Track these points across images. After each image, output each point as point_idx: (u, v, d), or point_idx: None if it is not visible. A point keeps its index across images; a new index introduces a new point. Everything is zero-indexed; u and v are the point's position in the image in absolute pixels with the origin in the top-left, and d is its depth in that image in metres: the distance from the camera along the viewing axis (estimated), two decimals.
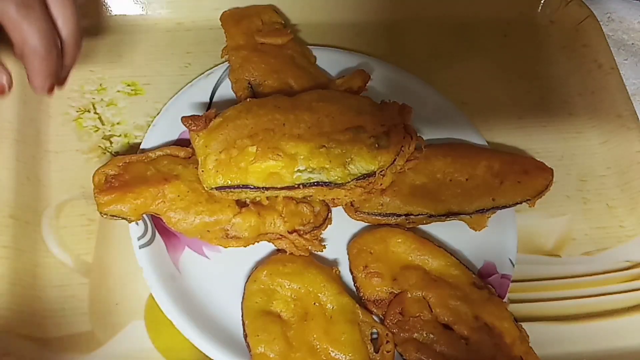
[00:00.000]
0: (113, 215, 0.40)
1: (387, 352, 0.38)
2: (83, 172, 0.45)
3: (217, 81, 0.49)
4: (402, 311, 0.40)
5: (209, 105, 0.48)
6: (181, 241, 0.43)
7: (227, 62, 0.49)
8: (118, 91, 0.49)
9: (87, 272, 0.42)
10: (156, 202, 0.40)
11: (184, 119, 0.41)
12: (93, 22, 0.52)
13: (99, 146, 0.47)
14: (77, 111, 0.48)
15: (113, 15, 0.52)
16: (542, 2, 0.58)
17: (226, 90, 0.49)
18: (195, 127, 0.41)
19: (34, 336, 0.39)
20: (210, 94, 0.49)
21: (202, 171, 0.40)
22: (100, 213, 0.40)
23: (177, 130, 0.46)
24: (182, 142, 0.45)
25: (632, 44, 0.60)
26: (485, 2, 0.58)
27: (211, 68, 0.50)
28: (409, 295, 0.40)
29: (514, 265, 0.44)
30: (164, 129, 0.46)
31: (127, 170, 0.41)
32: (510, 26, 0.57)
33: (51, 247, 0.42)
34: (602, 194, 0.49)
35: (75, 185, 0.45)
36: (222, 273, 0.39)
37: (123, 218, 0.40)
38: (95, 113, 0.48)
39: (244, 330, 0.38)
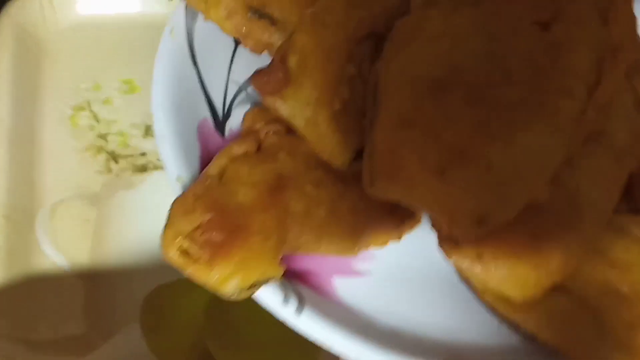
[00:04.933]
0: (249, 287, 0.25)
1: None
2: (78, 172, 0.44)
3: (188, 36, 0.34)
4: None
5: (197, 71, 0.34)
6: (320, 274, 0.29)
7: (178, 8, 0.35)
8: (114, 89, 0.49)
9: (81, 274, 0.41)
10: (296, 230, 0.26)
11: (256, 79, 0.27)
12: (88, 19, 0.51)
13: (95, 145, 0.46)
14: (72, 109, 0.47)
15: (108, 12, 0.52)
16: None
17: (207, 40, 0.34)
18: (274, 86, 0.27)
19: (27, 339, 0.38)
20: (190, 58, 0.34)
21: (322, 149, 0.27)
22: (228, 297, 0.25)
23: (191, 128, 0.32)
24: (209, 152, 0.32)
25: None
26: None
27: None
28: None
29: None
30: (177, 138, 0.31)
31: (211, 207, 0.25)
32: None
33: (45, 248, 0.41)
34: None
35: (70, 185, 0.44)
36: (402, 282, 0.28)
37: (266, 282, 0.26)
38: (91, 111, 0.47)
39: None
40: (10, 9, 0.49)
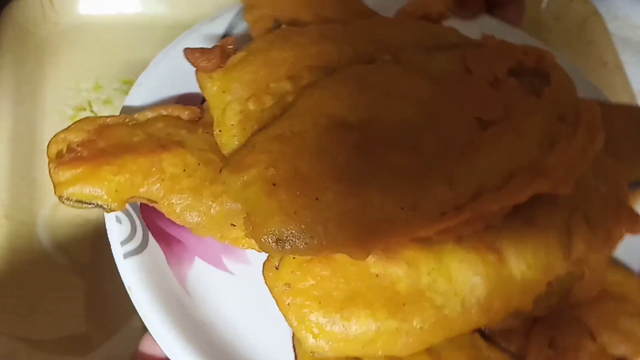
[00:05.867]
0: (80, 201, 0.27)
1: None
2: None
3: (227, 27, 0.36)
4: (553, 343, 0.27)
5: None
6: (188, 248, 0.30)
7: (237, 4, 0.37)
8: (114, 89, 0.49)
9: (82, 273, 0.41)
10: (149, 181, 0.27)
11: (189, 52, 0.29)
12: (89, 20, 0.51)
13: None
14: (73, 109, 0.47)
15: (109, 13, 0.52)
16: None
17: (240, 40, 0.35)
18: (206, 64, 0.28)
19: (28, 338, 0.38)
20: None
21: (220, 131, 0.27)
22: (60, 197, 0.28)
23: (175, 89, 0.33)
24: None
25: (638, 42, 0.59)
26: None
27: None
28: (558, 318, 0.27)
29: None
30: (154, 88, 0.33)
31: (102, 135, 0.28)
32: None
33: (46, 247, 0.41)
34: None
35: None
36: (254, 297, 0.27)
37: (97, 205, 0.27)
38: (92, 111, 0.48)
39: None
40: (12, 9, 0.49)
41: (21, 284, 0.40)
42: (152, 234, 0.30)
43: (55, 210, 0.43)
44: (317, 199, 0.23)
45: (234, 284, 0.29)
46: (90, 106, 0.48)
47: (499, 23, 0.38)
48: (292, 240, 0.23)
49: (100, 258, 0.42)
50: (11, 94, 0.45)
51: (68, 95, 0.48)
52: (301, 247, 0.23)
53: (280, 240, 0.23)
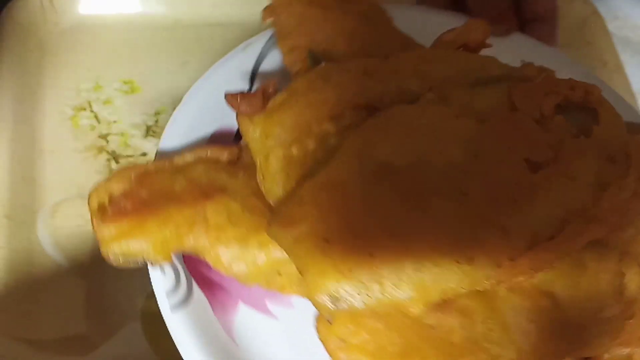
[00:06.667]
0: (126, 256, 0.27)
1: None
2: (79, 172, 0.44)
3: (259, 56, 0.35)
4: None
5: (249, 89, 0.35)
6: (231, 294, 0.29)
7: (268, 31, 0.36)
8: (114, 89, 0.49)
9: (82, 274, 0.41)
10: (194, 231, 0.27)
11: (230, 97, 0.28)
12: (89, 19, 0.51)
13: (95, 145, 0.46)
14: (73, 109, 0.47)
15: (109, 13, 0.52)
16: None
17: (272, 68, 0.36)
18: (247, 108, 0.28)
19: (28, 338, 0.38)
20: (250, 74, 0.35)
21: (263, 178, 0.27)
22: (105, 255, 0.28)
23: (209, 126, 0.33)
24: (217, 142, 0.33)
25: (638, 42, 0.59)
26: None
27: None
28: None
29: None
30: (189, 125, 0.33)
31: (144, 184, 0.28)
32: None
33: (46, 247, 0.42)
34: None
35: (71, 185, 0.44)
36: (299, 342, 0.26)
37: (143, 260, 0.28)
38: (92, 111, 0.47)
39: None
40: (12, 9, 0.49)
41: (21, 284, 0.40)
42: (196, 281, 0.29)
43: (55, 210, 0.43)
44: (370, 254, 0.23)
45: (278, 330, 0.28)
46: (90, 106, 0.48)
47: (533, 42, 0.38)
48: (348, 299, 0.22)
49: (100, 258, 0.41)
50: (11, 94, 0.45)
51: (68, 95, 0.48)
52: (358, 305, 0.22)
53: (336, 299, 0.23)
